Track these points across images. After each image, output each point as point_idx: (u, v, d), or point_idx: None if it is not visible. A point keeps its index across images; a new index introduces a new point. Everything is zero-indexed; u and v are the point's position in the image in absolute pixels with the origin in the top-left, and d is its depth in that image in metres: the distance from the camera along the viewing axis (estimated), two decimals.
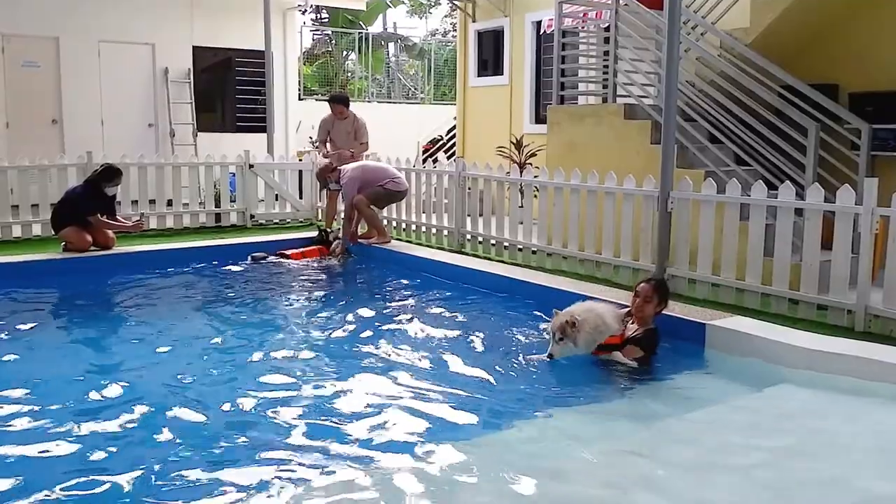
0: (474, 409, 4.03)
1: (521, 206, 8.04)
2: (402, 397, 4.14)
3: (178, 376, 4.48)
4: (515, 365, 4.69)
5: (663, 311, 4.96)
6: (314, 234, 8.89)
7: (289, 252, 8.26)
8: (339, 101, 9.42)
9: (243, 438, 3.61)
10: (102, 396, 4.15)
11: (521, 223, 7.86)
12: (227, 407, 4.00)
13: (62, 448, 3.46)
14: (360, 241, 8.45)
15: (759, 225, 5.90)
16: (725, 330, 4.94)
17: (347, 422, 3.81)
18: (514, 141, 11.04)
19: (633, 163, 7.26)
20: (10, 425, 3.70)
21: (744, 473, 3.30)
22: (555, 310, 4.76)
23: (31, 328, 5.59)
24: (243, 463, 3.34)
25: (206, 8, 13.53)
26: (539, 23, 11.24)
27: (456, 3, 12.89)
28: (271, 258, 8.13)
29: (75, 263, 7.49)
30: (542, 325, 5.26)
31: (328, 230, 8.71)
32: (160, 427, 3.70)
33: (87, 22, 12.47)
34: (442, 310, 6.05)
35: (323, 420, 3.86)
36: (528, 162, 10.57)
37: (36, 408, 3.90)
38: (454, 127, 14.22)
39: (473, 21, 12.69)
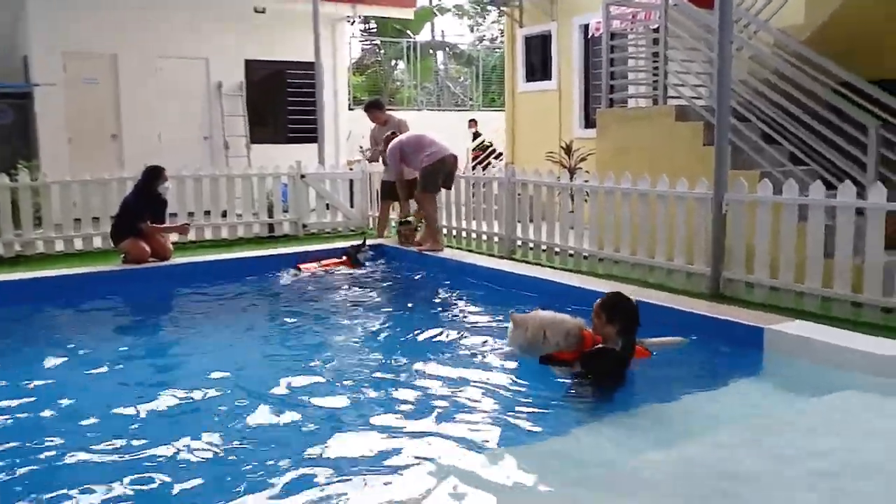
0: (532, 416, 3.99)
1: (572, 212, 7.96)
2: (463, 404, 4.14)
3: (232, 382, 4.55)
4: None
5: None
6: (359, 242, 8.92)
7: (303, 266, 7.97)
8: (373, 107, 9.49)
9: (303, 449, 3.61)
10: (157, 405, 4.23)
11: (572, 228, 7.79)
12: (284, 417, 4.04)
13: (122, 452, 3.54)
14: (411, 247, 8.47)
15: (818, 226, 5.74)
16: (785, 334, 4.81)
17: (411, 424, 3.85)
18: (564, 146, 10.97)
19: (686, 165, 7.14)
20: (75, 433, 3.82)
21: (806, 481, 3.20)
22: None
23: (91, 338, 5.74)
24: (301, 476, 3.36)
25: (257, 22, 13.80)
26: (586, 26, 11.16)
27: (503, 8, 12.88)
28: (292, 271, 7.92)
29: (134, 274, 7.67)
30: None
31: (362, 245, 8.34)
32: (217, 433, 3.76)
33: (144, 39, 12.82)
34: (493, 315, 6.02)
35: (383, 420, 3.90)
36: (578, 167, 10.49)
37: (94, 420, 4.01)
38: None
39: (521, 26, 12.67)
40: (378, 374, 4.70)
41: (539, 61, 12.51)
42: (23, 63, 12.63)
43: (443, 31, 30.82)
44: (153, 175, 8.02)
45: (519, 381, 4.53)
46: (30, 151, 11.82)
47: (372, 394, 4.36)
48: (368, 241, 8.69)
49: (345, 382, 4.54)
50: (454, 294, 7.00)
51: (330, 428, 3.88)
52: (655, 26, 8.31)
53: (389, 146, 8.43)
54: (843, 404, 4.08)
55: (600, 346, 4.43)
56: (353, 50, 24.93)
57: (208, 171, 10.39)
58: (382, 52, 22.43)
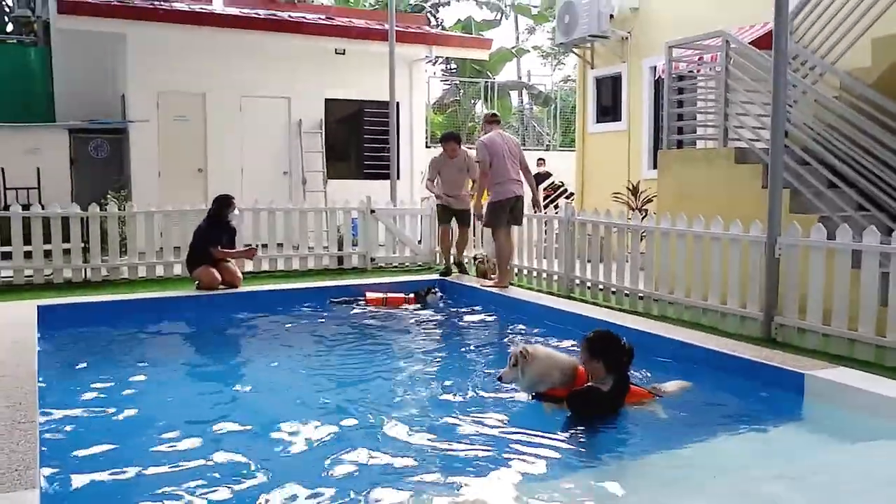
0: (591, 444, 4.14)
1: (629, 252, 7.98)
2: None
3: (289, 405, 4.82)
4: None
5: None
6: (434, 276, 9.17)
7: (369, 296, 8.23)
8: (452, 139, 9.64)
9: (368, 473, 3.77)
10: (223, 424, 4.52)
11: (626, 266, 7.81)
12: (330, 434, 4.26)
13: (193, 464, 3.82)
14: (485, 282, 8.60)
15: (872, 272, 5.63)
16: (826, 381, 4.74)
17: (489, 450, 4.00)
18: (631, 187, 10.99)
19: (745, 207, 7.09)
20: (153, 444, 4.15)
21: None
22: (517, 338, 4.79)
23: (165, 356, 6.26)
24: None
25: (337, 63, 14.39)
26: (656, 68, 11.21)
27: (574, 51, 13.06)
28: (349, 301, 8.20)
29: (207, 300, 8.13)
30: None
31: (432, 288, 8.41)
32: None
33: (231, 79, 13.56)
34: None
35: (394, 432, 4.05)
36: (644, 207, 10.49)
37: (169, 434, 4.30)
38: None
39: (592, 68, 12.81)
40: (411, 404, 4.88)
41: (609, 102, 12.60)
42: (121, 101, 13.53)
43: (529, 72, 31.26)
44: (224, 203, 8.54)
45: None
46: (122, 183, 12.61)
47: (405, 413, 4.54)
48: (436, 276, 8.98)
49: (388, 406, 4.74)
50: (509, 332, 7.11)
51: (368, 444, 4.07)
52: (720, 68, 8.32)
53: (479, 147, 8.46)
54: (877, 452, 4.00)
55: (588, 385, 4.47)
56: (434, 89, 25.61)
57: (282, 204, 10.85)
58: (462, 91, 22.89)
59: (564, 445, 4.11)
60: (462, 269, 9.71)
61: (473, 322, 7.65)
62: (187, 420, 4.52)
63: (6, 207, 9.88)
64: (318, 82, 14.35)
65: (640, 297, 7.60)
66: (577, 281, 8.46)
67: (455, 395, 4.99)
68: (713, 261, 6.80)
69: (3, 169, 12.43)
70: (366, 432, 4.30)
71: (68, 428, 4.29)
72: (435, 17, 23.48)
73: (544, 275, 9.05)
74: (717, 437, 4.31)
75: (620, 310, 7.52)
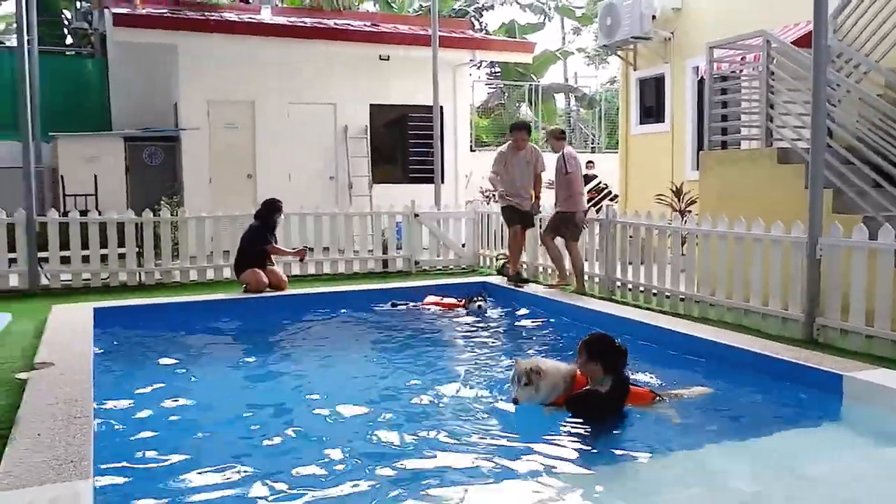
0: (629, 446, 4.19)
1: (671, 251, 7.97)
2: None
3: (337, 405, 4.96)
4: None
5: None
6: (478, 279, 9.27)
7: (427, 299, 8.45)
8: (523, 128, 9.12)
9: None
10: (269, 420, 4.73)
11: (668, 268, 7.80)
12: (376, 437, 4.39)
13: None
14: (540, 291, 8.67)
15: None
16: (865, 383, 4.71)
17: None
18: (674, 188, 10.94)
19: (788, 208, 7.03)
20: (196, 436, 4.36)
21: None
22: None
23: (215, 354, 6.55)
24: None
25: (382, 69, 14.59)
26: (698, 68, 11.14)
27: (618, 53, 13.03)
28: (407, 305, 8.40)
29: (254, 303, 8.38)
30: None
31: (480, 296, 8.33)
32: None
33: (279, 86, 13.86)
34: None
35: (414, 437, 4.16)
36: (687, 209, 10.44)
37: (216, 430, 4.54)
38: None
39: (635, 69, 12.78)
40: (449, 401, 5.00)
41: (652, 104, 12.55)
42: (174, 110, 13.94)
43: (576, 74, 31.16)
44: (272, 207, 8.80)
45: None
46: (175, 189, 12.99)
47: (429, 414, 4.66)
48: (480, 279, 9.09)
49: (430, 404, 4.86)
50: (551, 335, 7.17)
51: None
52: (762, 68, 8.25)
53: (570, 158, 8.64)
54: None
55: (587, 388, 4.56)
56: (479, 93, 25.73)
57: (327, 209, 11.07)
58: (506, 95, 22.95)
59: (575, 449, 4.12)
60: (518, 279, 9.12)
61: (517, 326, 7.75)
62: (233, 416, 4.73)
63: (65, 214, 10.29)
64: (364, 88, 14.57)
65: (682, 299, 7.58)
66: (619, 283, 8.47)
67: (467, 396, 5.09)
68: (754, 262, 6.76)
69: (62, 176, 12.93)
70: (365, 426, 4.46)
71: (121, 423, 4.51)
72: (479, 21, 23.54)
73: (585, 277, 9.07)
74: (747, 438, 4.33)
75: (661, 311, 7.51)
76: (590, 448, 4.15)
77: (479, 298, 8.22)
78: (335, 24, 14.71)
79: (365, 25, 15.19)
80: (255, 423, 4.62)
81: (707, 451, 4.13)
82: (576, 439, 4.23)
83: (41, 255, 9.19)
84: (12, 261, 9.17)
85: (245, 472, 3.78)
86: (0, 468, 3.36)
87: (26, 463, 3.39)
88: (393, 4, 20.78)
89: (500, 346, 6.87)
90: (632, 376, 4.90)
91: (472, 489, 3.61)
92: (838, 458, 4.10)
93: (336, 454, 4.06)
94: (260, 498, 3.50)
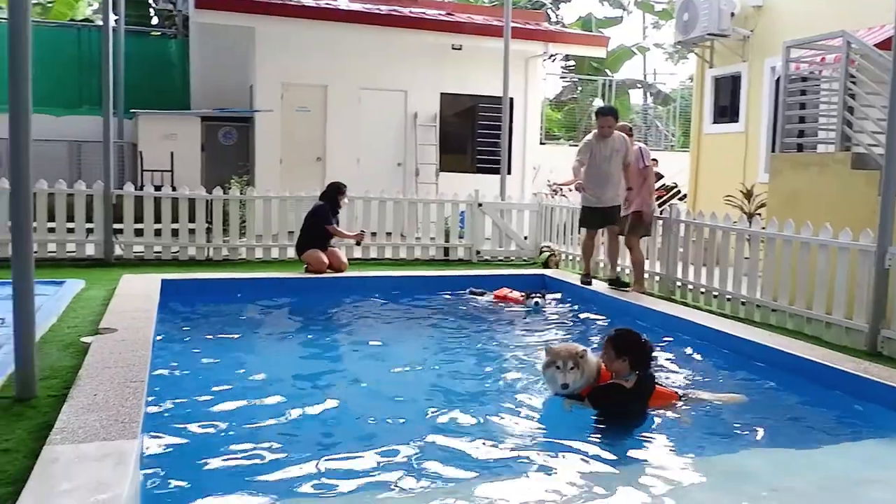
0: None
1: (734, 255, 7.78)
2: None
3: (389, 387, 5.09)
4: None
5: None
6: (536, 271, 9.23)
7: (497, 292, 8.35)
8: (606, 113, 8.30)
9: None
10: (318, 395, 4.86)
11: (729, 270, 7.63)
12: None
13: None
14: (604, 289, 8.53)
15: None
16: None
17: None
18: (745, 190, 10.68)
19: (858, 215, 6.79)
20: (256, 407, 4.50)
21: None
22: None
23: (270, 332, 6.75)
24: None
25: (454, 58, 14.61)
26: (775, 68, 10.81)
27: (694, 50, 12.75)
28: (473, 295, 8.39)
29: (314, 283, 8.56)
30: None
31: (539, 293, 8.17)
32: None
33: (351, 71, 14.03)
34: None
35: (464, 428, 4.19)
36: (757, 212, 10.16)
37: (264, 401, 4.65)
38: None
39: (710, 67, 12.48)
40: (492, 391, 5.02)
41: (727, 103, 12.23)
42: (249, 91, 14.28)
43: (654, 70, 30.63)
44: (337, 190, 8.99)
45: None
46: (247, 169, 13.33)
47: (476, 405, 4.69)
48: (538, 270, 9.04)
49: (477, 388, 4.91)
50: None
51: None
52: (841, 69, 7.97)
53: (646, 154, 8.36)
54: None
55: (611, 381, 4.48)
56: (553, 86, 25.55)
57: (392, 195, 11.19)
58: (580, 88, 22.70)
59: (599, 447, 4.05)
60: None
61: (576, 321, 7.68)
62: (282, 391, 4.84)
63: (141, 188, 10.68)
64: (435, 76, 14.63)
65: (743, 303, 7.41)
66: (678, 283, 8.33)
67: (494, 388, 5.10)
68: (820, 269, 6.56)
69: (141, 152, 13.40)
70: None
71: (174, 389, 4.68)
72: (555, 13, 23.31)
73: (645, 275, 8.93)
74: (790, 448, 4.23)
75: (721, 314, 7.36)
76: (611, 449, 4.05)
77: (537, 294, 8.10)
78: (410, 12, 14.80)
79: (440, 14, 15.23)
80: (302, 398, 4.72)
81: (742, 455, 4.07)
82: (598, 437, 4.18)
83: (116, 226, 9.57)
84: (89, 230, 9.58)
85: (286, 446, 3.89)
86: (57, 423, 3.54)
87: (80, 420, 3.57)
88: None
89: (554, 339, 6.83)
90: (664, 376, 4.84)
91: (483, 483, 3.59)
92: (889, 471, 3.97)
93: (362, 429, 4.22)
94: (300, 477, 3.56)
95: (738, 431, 4.40)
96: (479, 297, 8.36)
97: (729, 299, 7.59)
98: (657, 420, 4.43)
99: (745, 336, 6.22)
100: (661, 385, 4.70)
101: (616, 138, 8.15)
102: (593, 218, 8.40)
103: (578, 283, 8.64)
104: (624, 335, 4.61)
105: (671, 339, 6.53)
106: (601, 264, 9.48)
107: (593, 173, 8.11)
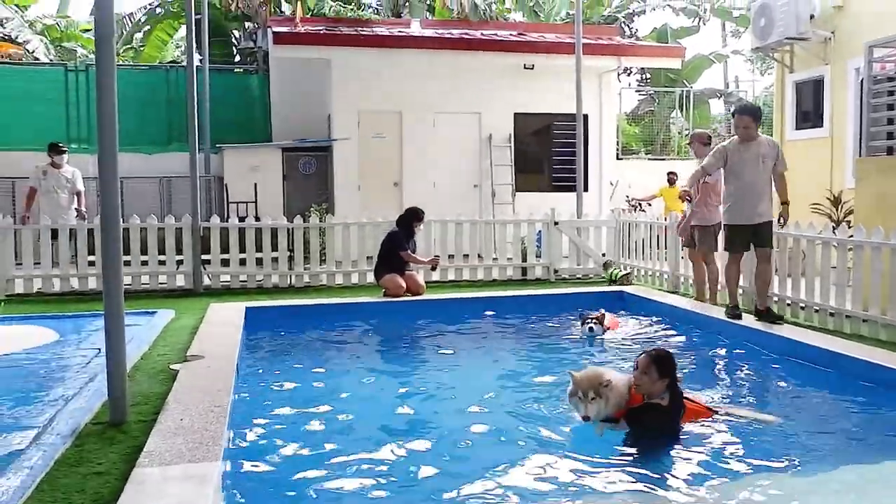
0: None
1: (821, 265, 7.51)
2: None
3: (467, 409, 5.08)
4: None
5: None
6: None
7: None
8: (744, 112, 7.10)
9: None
10: (401, 423, 4.90)
11: (817, 280, 7.36)
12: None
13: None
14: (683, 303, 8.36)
15: None
16: None
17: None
18: (832, 197, 10.30)
19: None
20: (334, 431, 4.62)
21: None
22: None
23: (350, 357, 6.85)
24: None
25: (527, 77, 14.64)
26: (859, 69, 10.43)
27: (773, 55, 12.43)
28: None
29: (392, 306, 8.69)
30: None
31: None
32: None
33: (425, 96, 14.25)
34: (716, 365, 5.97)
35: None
36: (845, 220, 9.78)
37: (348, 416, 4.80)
38: None
39: (791, 72, 12.13)
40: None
41: (810, 108, 11.85)
42: (327, 121, 14.68)
43: (736, 78, 29.85)
44: (414, 216, 9.11)
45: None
46: (327, 196, 13.67)
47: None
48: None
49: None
50: (702, 355, 6.79)
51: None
52: None
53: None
54: None
55: (647, 402, 4.32)
56: (629, 100, 25.23)
57: (468, 216, 11.27)
58: (657, 101, 22.36)
59: (637, 470, 3.94)
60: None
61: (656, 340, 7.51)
62: (363, 415, 4.93)
63: (227, 220, 11.10)
64: (508, 97, 14.69)
65: (831, 314, 7.14)
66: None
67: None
68: None
69: (227, 185, 13.94)
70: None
71: (256, 414, 4.83)
72: (629, 27, 23.05)
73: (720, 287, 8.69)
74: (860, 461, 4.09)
75: (809, 326, 7.11)
76: (653, 471, 3.91)
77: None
78: (482, 34, 14.96)
79: (511, 35, 15.33)
80: (382, 423, 4.78)
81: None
82: (637, 459, 4.07)
83: (204, 257, 9.97)
84: (179, 262, 10.01)
85: (368, 471, 3.94)
86: (146, 447, 3.72)
87: (167, 444, 3.75)
88: (540, 14, 20.78)
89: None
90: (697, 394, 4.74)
91: None
92: None
93: (450, 453, 4.22)
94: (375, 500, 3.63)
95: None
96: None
97: (817, 311, 7.33)
98: (689, 437, 4.34)
99: (836, 349, 5.97)
100: (690, 400, 4.57)
101: (763, 142, 6.98)
102: (737, 237, 7.12)
103: (724, 316, 7.24)
104: (667, 357, 4.43)
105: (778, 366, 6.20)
106: (719, 287, 8.35)
107: (734, 184, 7.02)
